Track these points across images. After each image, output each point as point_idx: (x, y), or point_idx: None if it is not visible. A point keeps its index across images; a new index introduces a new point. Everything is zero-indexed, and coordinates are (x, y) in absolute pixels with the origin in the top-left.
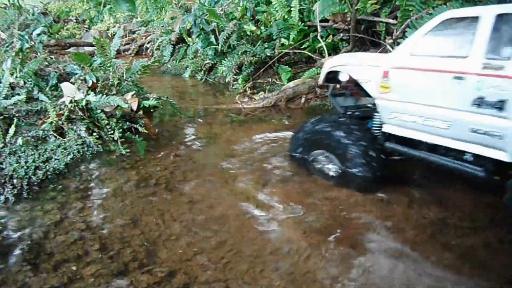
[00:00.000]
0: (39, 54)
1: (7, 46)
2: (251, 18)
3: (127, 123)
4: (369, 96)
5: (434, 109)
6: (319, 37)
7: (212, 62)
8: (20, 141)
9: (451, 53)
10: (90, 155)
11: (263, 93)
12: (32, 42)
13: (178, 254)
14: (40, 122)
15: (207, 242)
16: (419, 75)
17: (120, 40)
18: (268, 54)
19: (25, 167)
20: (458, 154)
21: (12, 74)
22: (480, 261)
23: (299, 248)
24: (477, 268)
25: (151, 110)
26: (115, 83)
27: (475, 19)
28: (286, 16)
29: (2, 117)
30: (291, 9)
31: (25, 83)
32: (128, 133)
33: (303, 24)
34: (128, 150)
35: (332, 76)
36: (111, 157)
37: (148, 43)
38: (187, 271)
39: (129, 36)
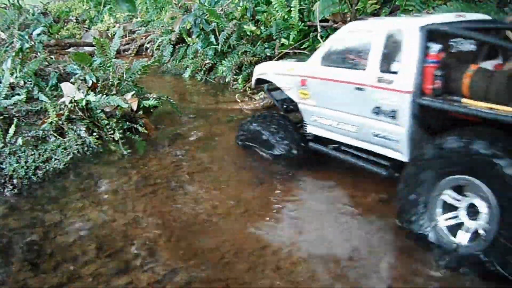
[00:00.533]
0: (39, 54)
1: (7, 46)
2: (251, 18)
3: (127, 123)
4: None
5: (344, 114)
6: (319, 37)
7: (212, 62)
8: (20, 141)
9: (353, 65)
10: (90, 155)
11: (263, 93)
12: (32, 42)
13: (178, 254)
14: (40, 122)
15: (208, 241)
16: (330, 84)
17: (120, 40)
18: (268, 54)
19: (25, 167)
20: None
21: (12, 74)
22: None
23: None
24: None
25: (151, 110)
26: (115, 83)
27: (370, 33)
28: (286, 16)
29: (2, 117)
30: (291, 9)
31: (25, 83)
32: (128, 133)
33: (303, 24)
34: (128, 151)
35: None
36: (111, 157)
37: (148, 43)
38: (188, 270)
39: (129, 36)
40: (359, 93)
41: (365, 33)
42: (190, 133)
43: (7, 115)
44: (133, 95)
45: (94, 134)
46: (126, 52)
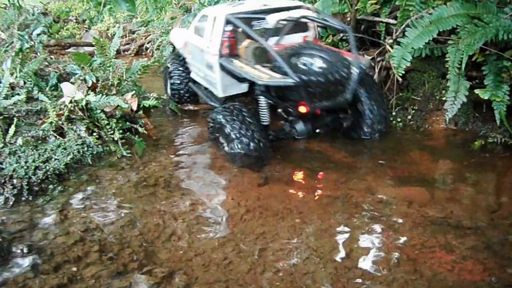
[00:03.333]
0: (39, 54)
1: (7, 46)
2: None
3: (127, 123)
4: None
5: (200, 66)
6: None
7: None
8: (20, 141)
9: (201, 35)
10: (90, 155)
11: None
12: (32, 42)
13: (178, 255)
14: (40, 122)
15: (208, 242)
16: (193, 46)
17: (120, 40)
18: None
19: (25, 167)
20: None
21: (12, 74)
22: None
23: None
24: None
25: (151, 110)
26: (115, 83)
27: (207, 16)
28: None
29: (2, 117)
30: None
31: (25, 83)
32: (128, 133)
33: None
34: (128, 151)
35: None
36: (111, 157)
37: (148, 43)
38: (188, 271)
39: (129, 36)
40: (202, 53)
41: (206, 16)
42: (190, 133)
43: (7, 115)
44: (133, 95)
45: (94, 134)
46: (126, 52)
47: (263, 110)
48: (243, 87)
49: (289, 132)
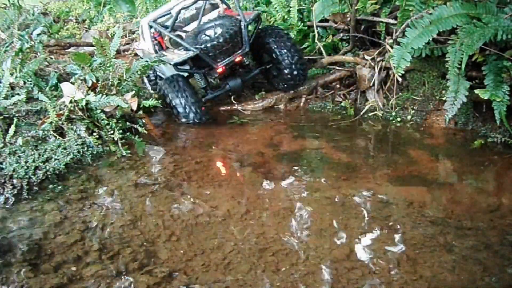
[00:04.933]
0: (39, 54)
1: (7, 46)
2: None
3: (127, 123)
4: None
5: (156, 66)
6: (316, 39)
7: None
8: (20, 141)
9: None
10: (90, 155)
11: (263, 93)
12: (32, 42)
13: (178, 255)
14: (40, 122)
15: (208, 242)
16: (146, 52)
17: (120, 40)
18: None
19: (25, 167)
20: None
21: (12, 74)
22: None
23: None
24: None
25: (151, 110)
26: (115, 83)
27: (141, 26)
28: (286, 16)
29: (2, 117)
30: (290, 9)
31: (25, 83)
32: (128, 133)
33: (302, 24)
34: (128, 151)
35: None
36: (111, 157)
37: None
38: (188, 271)
39: (129, 36)
40: (149, 54)
41: (141, 25)
42: (190, 133)
43: (7, 115)
44: (133, 95)
45: (94, 134)
46: (126, 52)
47: (198, 79)
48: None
49: (224, 88)
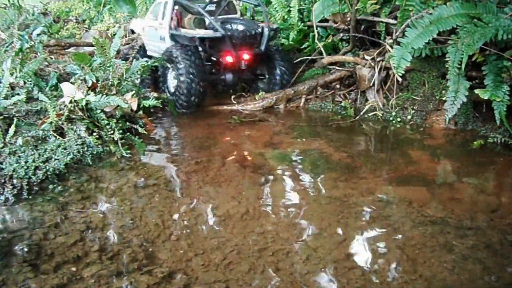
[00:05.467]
0: (39, 54)
1: (7, 46)
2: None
3: (127, 123)
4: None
5: (154, 42)
6: (316, 40)
7: None
8: (20, 141)
9: (156, 18)
10: (90, 155)
11: (263, 93)
12: (32, 42)
13: (178, 255)
14: (40, 122)
15: (208, 242)
16: (150, 28)
17: (120, 40)
18: None
19: (25, 167)
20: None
21: (12, 74)
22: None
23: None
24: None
25: (151, 110)
26: (115, 83)
27: (163, 3)
28: (286, 16)
29: (2, 117)
30: (291, 9)
31: (25, 83)
32: (128, 133)
33: (302, 24)
34: (128, 151)
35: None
36: (111, 158)
37: None
38: (188, 271)
39: (129, 36)
40: (156, 31)
41: (159, 3)
42: (190, 134)
43: (7, 115)
44: (133, 95)
45: (94, 134)
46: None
47: (202, 61)
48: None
49: (221, 79)
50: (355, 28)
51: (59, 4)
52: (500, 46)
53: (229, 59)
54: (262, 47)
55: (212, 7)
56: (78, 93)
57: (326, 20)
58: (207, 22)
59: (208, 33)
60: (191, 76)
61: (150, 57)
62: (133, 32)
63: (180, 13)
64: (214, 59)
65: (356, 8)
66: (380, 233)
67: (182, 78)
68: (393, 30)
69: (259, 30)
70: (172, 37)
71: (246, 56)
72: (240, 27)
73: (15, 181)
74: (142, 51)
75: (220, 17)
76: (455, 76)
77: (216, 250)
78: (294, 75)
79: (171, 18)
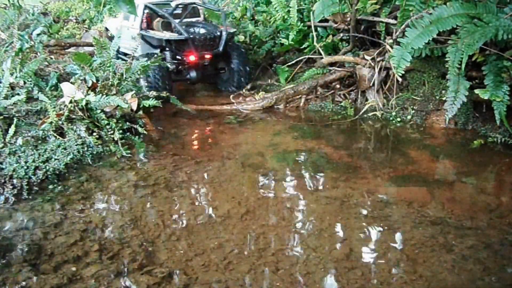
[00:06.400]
0: (39, 54)
1: (7, 46)
2: (251, 18)
3: (127, 123)
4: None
5: (126, 40)
6: (315, 41)
7: None
8: (20, 141)
9: (128, 19)
10: (90, 155)
11: (263, 93)
12: (32, 42)
13: (178, 255)
14: (40, 122)
15: (208, 242)
16: (123, 27)
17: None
18: (260, 57)
19: (25, 167)
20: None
21: (12, 74)
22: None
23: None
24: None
25: (151, 110)
26: (115, 83)
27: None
28: (285, 16)
29: (2, 117)
30: (290, 9)
31: (25, 83)
32: (128, 133)
33: (302, 24)
34: (128, 151)
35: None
36: (111, 158)
37: None
38: (188, 271)
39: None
40: (129, 30)
41: (137, 2)
42: (190, 134)
43: (7, 115)
44: (133, 95)
45: (94, 134)
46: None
47: (169, 61)
48: (156, 51)
49: (185, 76)
50: (355, 28)
51: (59, 4)
52: (500, 46)
53: (192, 58)
54: (220, 48)
55: (179, 11)
56: (78, 93)
57: (326, 20)
58: (173, 25)
59: (173, 35)
60: (157, 77)
61: (125, 54)
62: (107, 30)
63: (150, 16)
64: (179, 58)
65: (356, 8)
66: (380, 233)
67: (149, 79)
68: (393, 30)
69: (218, 33)
70: (142, 37)
71: (207, 56)
72: (202, 31)
73: (15, 181)
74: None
75: (185, 20)
76: (455, 76)
77: (216, 250)
78: (251, 64)
79: (142, 21)
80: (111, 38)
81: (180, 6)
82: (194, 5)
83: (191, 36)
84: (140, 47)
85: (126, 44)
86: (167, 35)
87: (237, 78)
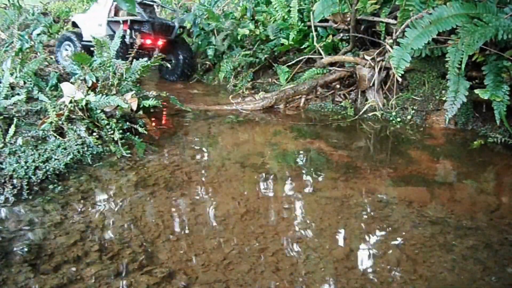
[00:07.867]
0: (39, 54)
1: (7, 46)
2: (251, 18)
3: (127, 123)
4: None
5: (92, 28)
6: (315, 41)
7: (212, 63)
8: (20, 141)
9: (96, 11)
10: (90, 155)
11: (263, 93)
12: (32, 42)
13: (178, 255)
14: (40, 122)
15: (208, 242)
16: (90, 18)
17: (120, 40)
18: (265, 56)
19: (25, 167)
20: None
21: (12, 74)
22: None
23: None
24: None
25: (151, 110)
26: (115, 83)
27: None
28: (286, 16)
29: (2, 117)
30: (291, 9)
31: (25, 83)
32: (128, 133)
33: (302, 24)
34: (128, 151)
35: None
36: (111, 158)
37: None
38: (188, 271)
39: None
40: (96, 19)
41: (101, 2)
42: (190, 134)
43: (7, 115)
44: (133, 95)
45: (94, 134)
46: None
47: (127, 37)
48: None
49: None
50: (355, 28)
51: (59, 4)
52: (500, 46)
53: (148, 41)
54: (172, 36)
55: (141, 10)
56: (78, 93)
57: (326, 20)
58: (137, 10)
59: (137, 17)
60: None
61: (88, 43)
62: (73, 24)
63: (116, 7)
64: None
65: (356, 8)
66: (380, 233)
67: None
68: (393, 30)
69: (172, 24)
70: (108, 23)
71: (160, 42)
72: (159, 20)
73: (15, 181)
74: (80, 37)
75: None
76: (455, 76)
77: (216, 250)
78: (195, 59)
79: (109, 10)
80: (79, 34)
81: (142, 4)
82: (153, 4)
83: (150, 20)
84: (104, 31)
85: (91, 32)
86: (130, 17)
87: (181, 69)
